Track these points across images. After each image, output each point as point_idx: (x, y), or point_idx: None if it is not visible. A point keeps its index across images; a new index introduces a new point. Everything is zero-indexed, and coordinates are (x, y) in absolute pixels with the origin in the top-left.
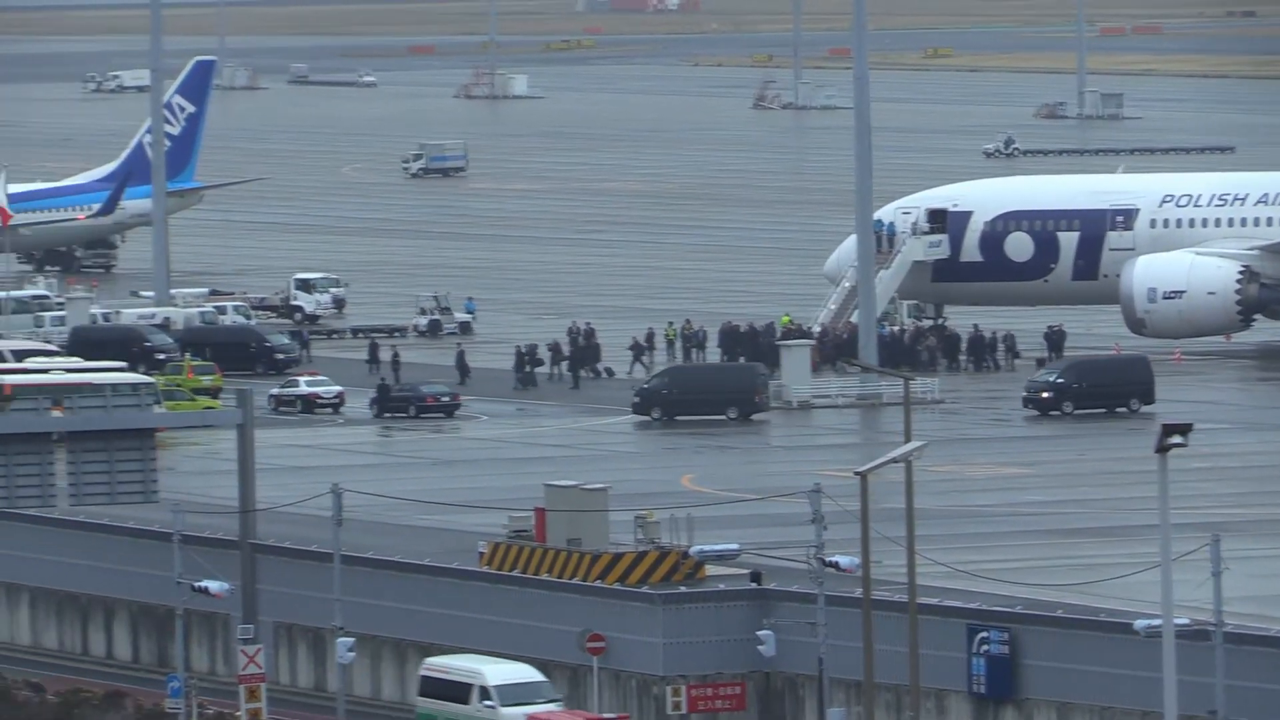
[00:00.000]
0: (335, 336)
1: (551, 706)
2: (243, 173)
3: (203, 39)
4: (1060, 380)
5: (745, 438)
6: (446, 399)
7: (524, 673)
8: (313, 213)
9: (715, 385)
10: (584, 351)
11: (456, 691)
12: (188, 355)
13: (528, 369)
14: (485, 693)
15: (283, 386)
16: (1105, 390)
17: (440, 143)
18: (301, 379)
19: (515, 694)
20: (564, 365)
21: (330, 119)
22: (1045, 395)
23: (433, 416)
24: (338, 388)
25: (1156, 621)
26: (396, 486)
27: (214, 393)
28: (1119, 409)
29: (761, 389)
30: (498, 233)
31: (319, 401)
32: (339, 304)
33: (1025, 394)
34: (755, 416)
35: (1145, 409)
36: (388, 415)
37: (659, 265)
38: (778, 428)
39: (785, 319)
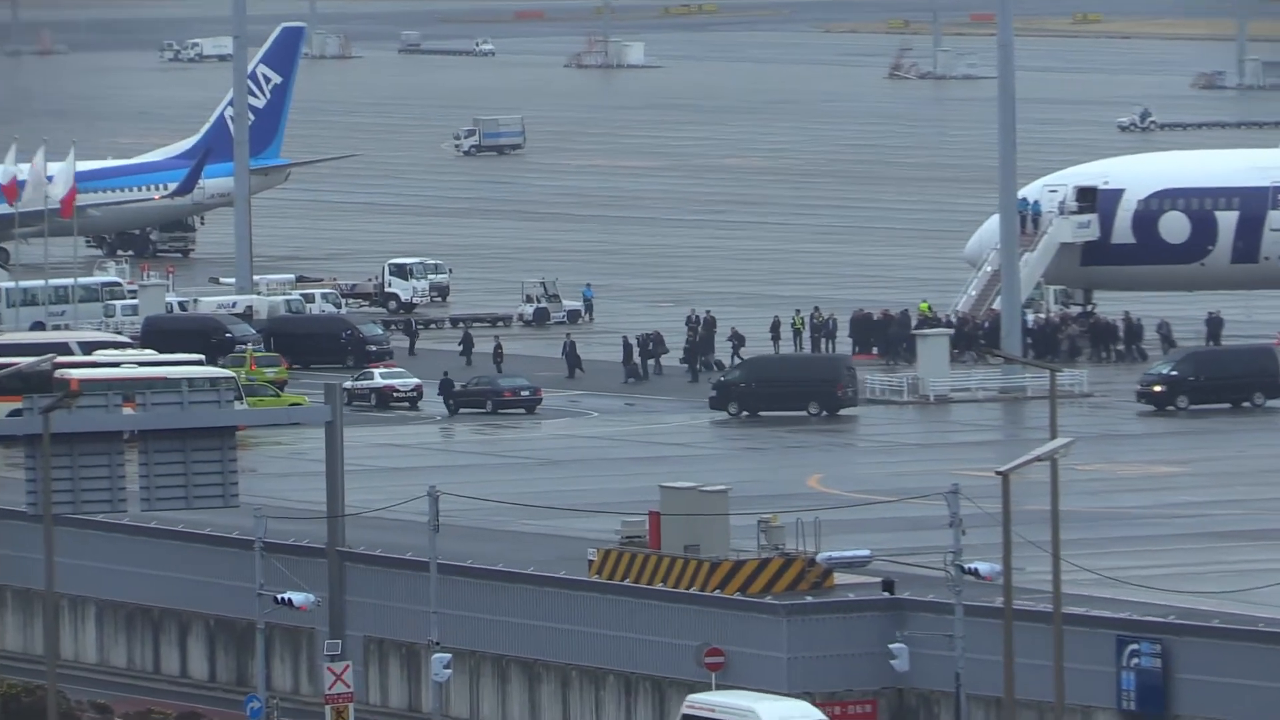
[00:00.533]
0: (433, 326)
1: None
2: (333, 149)
3: (291, 4)
4: (1175, 373)
5: (874, 434)
6: (526, 394)
7: (801, 710)
8: (410, 192)
9: (796, 377)
10: (703, 341)
11: None
12: (250, 345)
13: (637, 361)
14: None
15: (356, 379)
16: (1226, 383)
17: (494, 118)
18: (376, 371)
19: None
20: (659, 358)
21: (429, 90)
22: (1158, 389)
23: (510, 412)
24: (415, 380)
25: None
26: (496, 488)
27: (279, 386)
28: (1242, 403)
29: (845, 382)
30: (610, 213)
31: (395, 395)
32: (443, 291)
33: (1138, 387)
34: (842, 412)
35: (1271, 403)
36: (461, 411)
37: (786, 248)
38: (913, 423)
39: (924, 306)
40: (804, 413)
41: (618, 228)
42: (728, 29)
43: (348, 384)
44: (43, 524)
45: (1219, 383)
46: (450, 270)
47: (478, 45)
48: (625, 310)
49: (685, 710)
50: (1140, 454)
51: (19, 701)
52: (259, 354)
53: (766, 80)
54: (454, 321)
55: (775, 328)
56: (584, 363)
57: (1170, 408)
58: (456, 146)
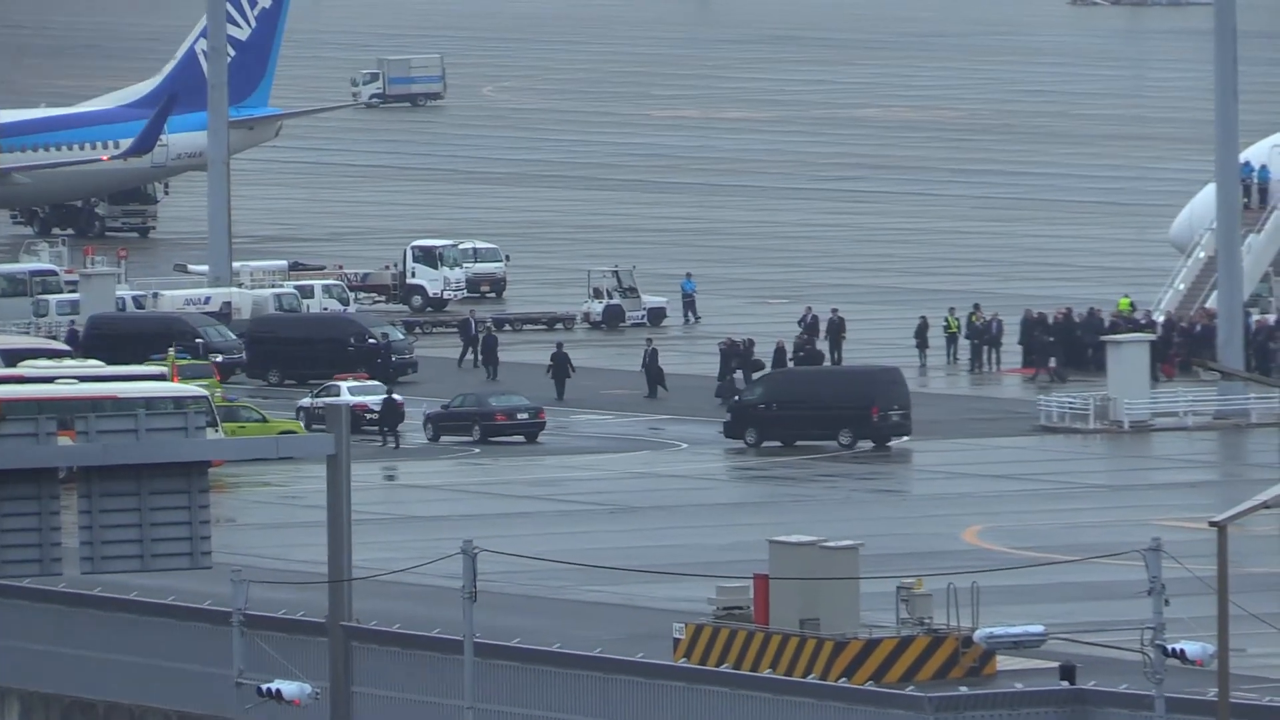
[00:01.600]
0: (504, 329)
1: None
2: (340, 95)
3: None
4: None
5: (1049, 471)
6: (525, 416)
7: None
8: (440, 152)
9: (824, 397)
10: (814, 353)
11: None
12: (172, 348)
13: (738, 375)
14: None
15: (316, 395)
16: None
17: (404, 58)
18: (344, 384)
19: None
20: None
21: (468, 18)
22: None
23: (506, 441)
24: (397, 397)
25: None
26: (551, 544)
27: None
28: None
29: (882, 404)
30: (705, 180)
31: (367, 415)
32: (497, 285)
33: None
34: (893, 443)
35: None
36: (444, 439)
37: (935, 227)
38: (1100, 458)
39: (1124, 303)
40: (834, 442)
41: (713, 199)
42: None
43: (304, 402)
44: None
45: None
46: (507, 257)
47: None
48: (722, 308)
49: None
50: None
51: None
52: (183, 361)
53: (912, 6)
54: (499, 324)
55: (922, 332)
56: (669, 378)
57: None
58: (354, 96)
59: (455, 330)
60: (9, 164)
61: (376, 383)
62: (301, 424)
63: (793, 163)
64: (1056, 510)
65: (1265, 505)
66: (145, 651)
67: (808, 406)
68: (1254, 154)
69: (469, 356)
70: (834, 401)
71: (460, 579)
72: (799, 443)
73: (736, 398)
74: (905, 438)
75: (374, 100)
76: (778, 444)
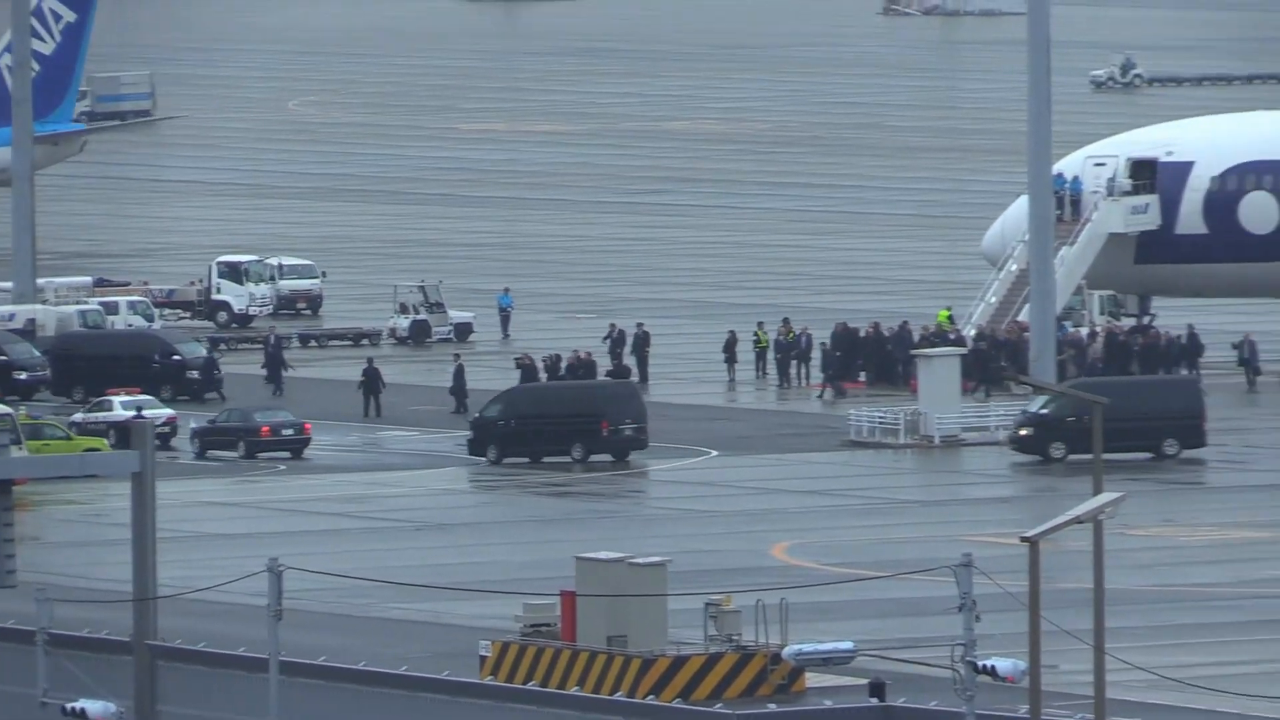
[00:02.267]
0: (285, 344)
1: None
2: (146, 108)
3: None
4: (1046, 411)
5: (859, 486)
6: (290, 432)
7: None
8: (246, 166)
9: (558, 413)
10: (622, 368)
11: None
12: None
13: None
14: None
15: (89, 410)
16: (1128, 428)
17: (114, 75)
18: (116, 399)
19: None
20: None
21: (275, 31)
22: (1024, 432)
23: (271, 454)
24: (167, 412)
25: None
26: (358, 561)
27: None
28: (1156, 450)
29: (612, 418)
30: (512, 194)
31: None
32: (314, 302)
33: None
34: (630, 457)
35: (1188, 453)
36: (210, 454)
37: (746, 241)
38: (911, 473)
39: (943, 315)
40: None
41: (522, 213)
42: None
43: (77, 417)
44: None
45: (1121, 427)
46: (324, 274)
47: None
48: (532, 324)
49: None
50: (1213, 514)
51: None
52: None
53: (722, 17)
54: (303, 338)
55: (730, 346)
56: (474, 394)
57: (1041, 457)
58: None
59: (260, 346)
60: None
61: (150, 397)
62: (107, 442)
63: (602, 176)
64: (866, 526)
65: (1077, 520)
66: None
67: (543, 421)
68: (1067, 166)
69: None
70: (566, 417)
71: (266, 597)
72: (544, 459)
73: (478, 414)
74: (642, 450)
75: (81, 118)
76: (524, 460)
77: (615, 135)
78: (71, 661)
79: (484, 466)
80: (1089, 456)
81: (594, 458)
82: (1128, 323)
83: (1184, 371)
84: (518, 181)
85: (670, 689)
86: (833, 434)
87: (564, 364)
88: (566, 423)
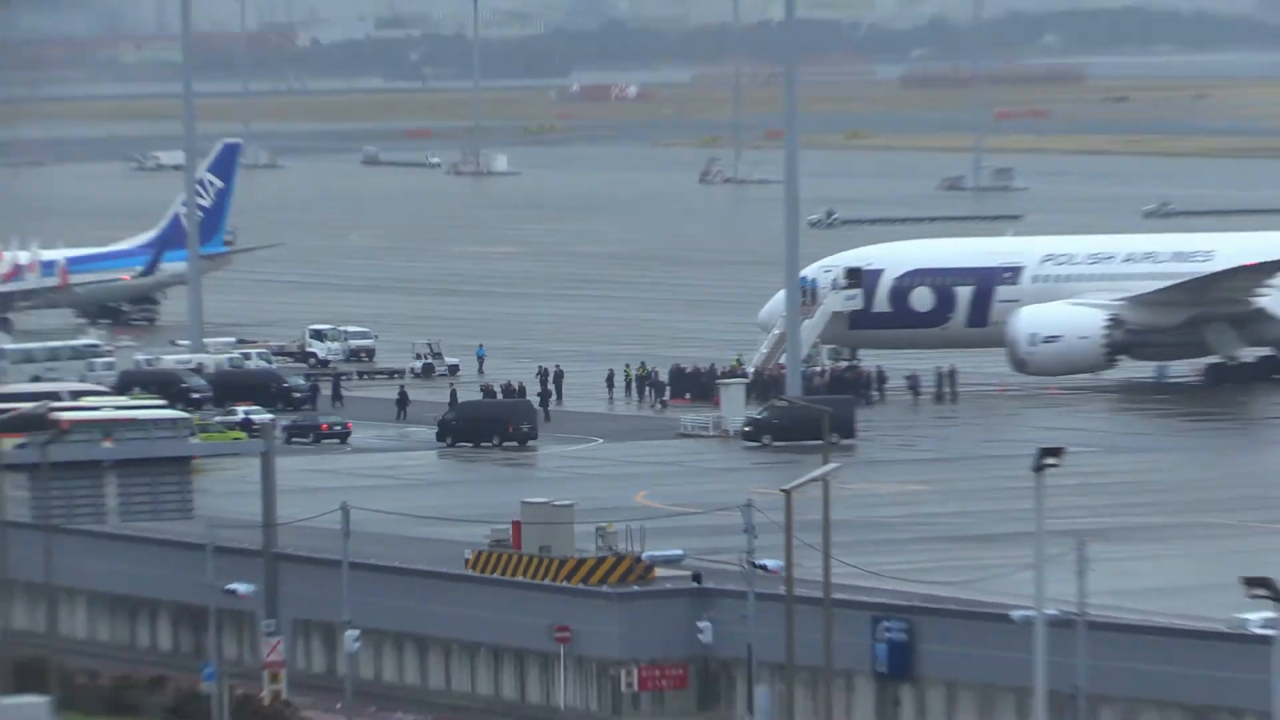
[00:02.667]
0: (345, 379)
1: None
2: (264, 240)
3: (229, 124)
4: (760, 417)
5: (685, 459)
6: (339, 428)
7: None
8: (325, 272)
9: (490, 417)
10: (552, 390)
11: None
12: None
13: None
14: None
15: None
16: (800, 428)
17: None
18: (240, 408)
19: None
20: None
21: (339, 193)
22: (748, 429)
23: (330, 441)
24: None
25: (1030, 612)
26: (397, 504)
27: None
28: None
29: (516, 422)
30: (485, 290)
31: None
32: (370, 352)
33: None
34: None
35: (845, 442)
36: (292, 441)
37: (624, 316)
38: (717, 453)
39: (736, 360)
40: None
41: (491, 300)
42: (576, 144)
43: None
44: (43, 533)
45: (794, 427)
46: (376, 336)
47: (428, 159)
48: (496, 366)
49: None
50: (892, 476)
51: (29, 668)
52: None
53: (606, 184)
54: (360, 374)
55: (610, 379)
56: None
57: (757, 444)
58: None
59: (330, 379)
60: (74, 281)
61: (257, 407)
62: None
63: (540, 279)
64: (692, 482)
65: (814, 479)
66: (156, 566)
67: (477, 423)
68: (809, 271)
69: None
70: (490, 420)
71: (339, 524)
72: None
73: (440, 418)
74: (534, 439)
75: (226, 244)
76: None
77: (546, 255)
78: (227, 561)
79: (444, 448)
80: (786, 444)
81: (505, 444)
82: (844, 364)
83: (874, 394)
84: (489, 280)
85: (575, 578)
86: (670, 429)
87: (499, 390)
88: (490, 424)
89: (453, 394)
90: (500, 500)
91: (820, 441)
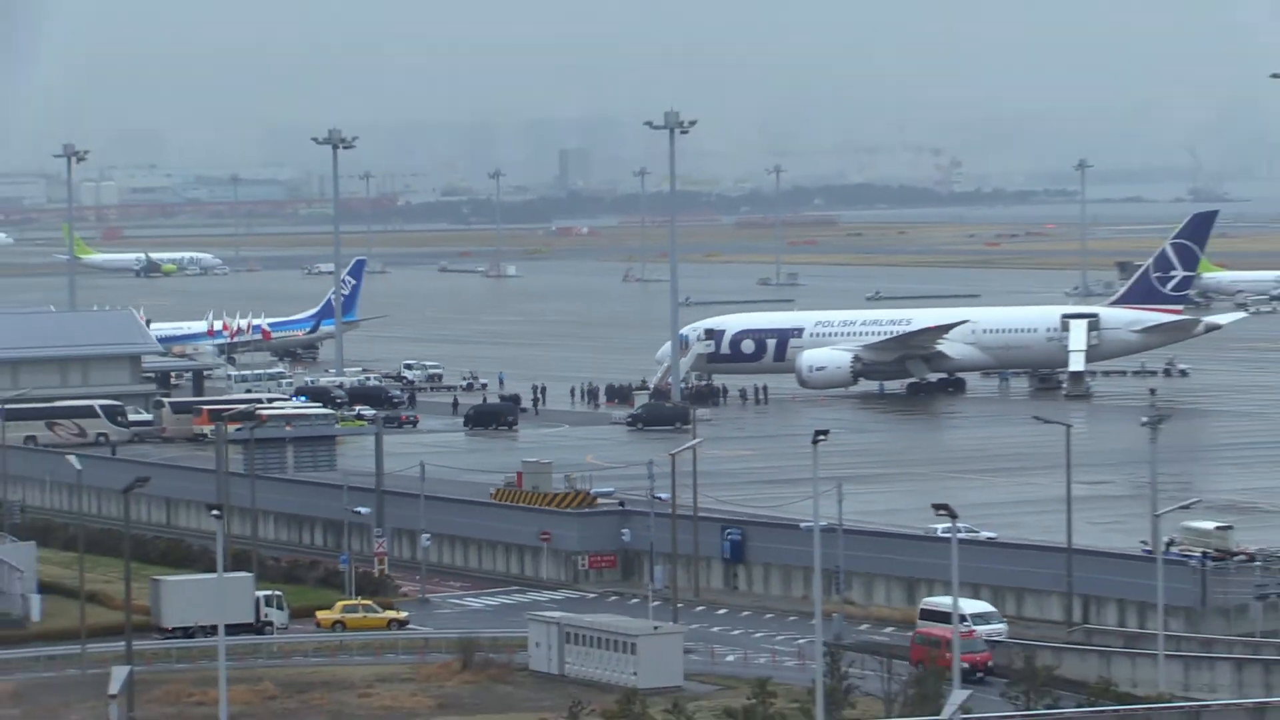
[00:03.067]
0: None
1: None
2: (378, 313)
3: (359, 249)
4: (636, 412)
5: (614, 437)
6: (410, 420)
7: (985, 605)
8: (411, 333)
9: (490, 412)
10: (540, 397)
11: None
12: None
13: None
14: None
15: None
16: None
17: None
18: (357, 407)
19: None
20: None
21: (421, 289)
22: (629, 421)
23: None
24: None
25: (811, 523)
26: (451, 461)
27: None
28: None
29: (506, 415)
30: (503, 341)
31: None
32: (440, 378)
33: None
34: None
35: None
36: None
37: (580, 356)
38: (635, 433)
39: (642, 381)
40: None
41: (514, 348)
42: (553, 260)
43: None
44: (249, 479)
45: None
46: (442, 367)
47: (473, 268)
48: (513, 385)
49: (922, 606)
50: (733, 447)
51: (241, 557)
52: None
53: (570, 283)
54: (433, 388)
55: (573, 391)
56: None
57: (636, 429)
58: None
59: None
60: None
61: (371, 409)
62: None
63: (537, 334)
64: (620, 447)
65: (687, 448)
66: (315, 497)
67: (486, 415)
68: (685, 330)
69: None
70: (492, 414)
71: (419, 474)
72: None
73: (467, 413)
74: (515, 426)
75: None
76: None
77: (536, 322)
78: (356, 496)
79: (469, 430)
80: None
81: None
82: (703, 383)
83: (721, 400)
84: (505, 335)
85: (555, 504)
86: (605, 420)
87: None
88: (492, 415)
89: (484, 399)
90: (509, 460)
91: (671, 428)
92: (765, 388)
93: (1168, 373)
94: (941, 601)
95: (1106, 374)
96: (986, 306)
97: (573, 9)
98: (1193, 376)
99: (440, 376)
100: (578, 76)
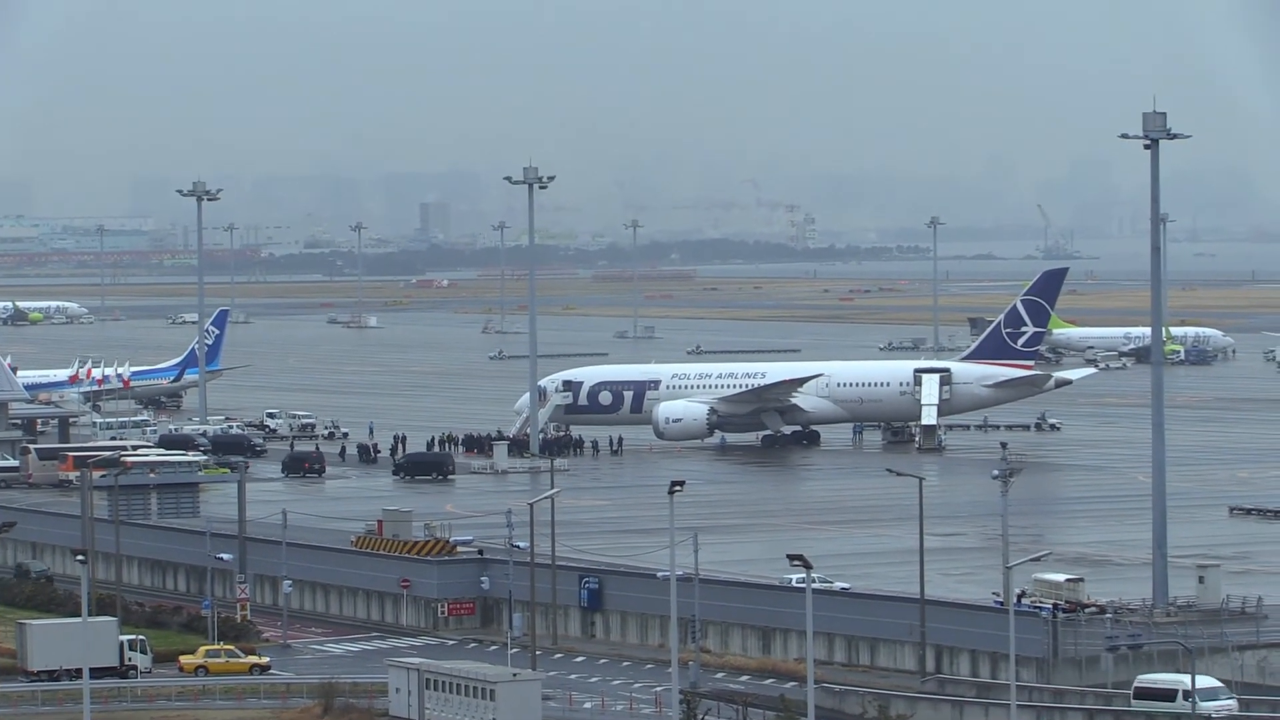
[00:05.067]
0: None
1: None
2: (241, 363)
3: (223, 299)
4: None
5: (472, 486)
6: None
7: (1213, 682)
8: (274, 381)
9: (425, 461)
10: (400, 446)
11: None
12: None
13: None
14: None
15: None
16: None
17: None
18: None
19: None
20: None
21: (284, 338)
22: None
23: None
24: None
25: (668, 573)
26: (313, 508)
27: None
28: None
29: (316, 462)
30: (364, 391)
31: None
32: (309, 427)
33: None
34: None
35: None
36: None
37: (440, 406)
38: (490, 483)
39: (499, 432)
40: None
41: (366, 398)
42: (413, 311)
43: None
44: (114, 525)
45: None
46: (314, 415)
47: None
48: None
49: (1135, 684)
50: (590, 496)
51: (104, 601)
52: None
53: (429, 334)
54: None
55: (431, 441)
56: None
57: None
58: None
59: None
60: (136, 385)
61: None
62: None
63: (385, 386)
64: (479, 498)
65: (546, 497)
66: (177, 544)
67: (423, 466)
68: (544, 381)
69: None
70: (429, 465)
71: (281, 521)
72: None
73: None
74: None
75: None
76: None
77: (396, 372)
78: (218, 542)
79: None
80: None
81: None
82: (562, 433)
83: (579, 450)
84: (366, 386)
85: (415, 551)
86: (465, 469)
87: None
88: (431, 465)
89: (342, 449)
90: (368, 508)
91: (429, 478)
92: (621, 439)
93: (1039, 426)
94: (1160, 679)
95: (965, 428)
96: (840, 360)
97: (433, 65)
98: (1064, 430)
99: (312, 426)
100: (438, 132)
